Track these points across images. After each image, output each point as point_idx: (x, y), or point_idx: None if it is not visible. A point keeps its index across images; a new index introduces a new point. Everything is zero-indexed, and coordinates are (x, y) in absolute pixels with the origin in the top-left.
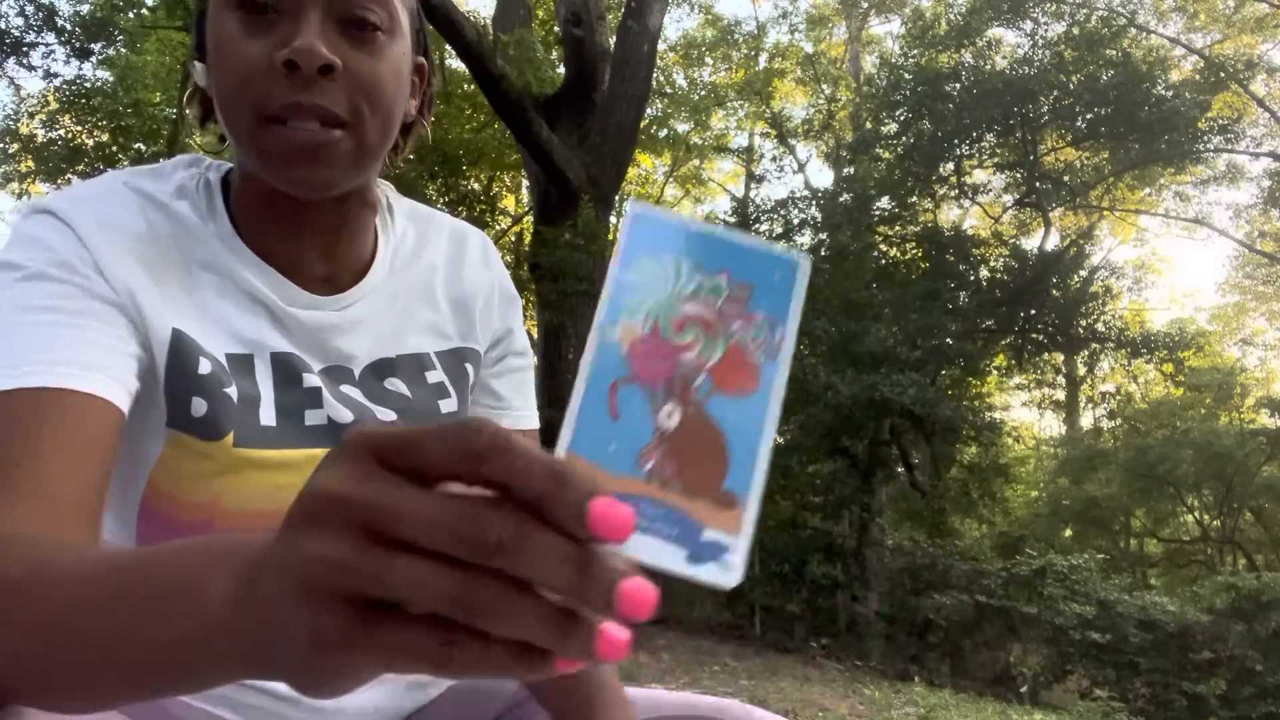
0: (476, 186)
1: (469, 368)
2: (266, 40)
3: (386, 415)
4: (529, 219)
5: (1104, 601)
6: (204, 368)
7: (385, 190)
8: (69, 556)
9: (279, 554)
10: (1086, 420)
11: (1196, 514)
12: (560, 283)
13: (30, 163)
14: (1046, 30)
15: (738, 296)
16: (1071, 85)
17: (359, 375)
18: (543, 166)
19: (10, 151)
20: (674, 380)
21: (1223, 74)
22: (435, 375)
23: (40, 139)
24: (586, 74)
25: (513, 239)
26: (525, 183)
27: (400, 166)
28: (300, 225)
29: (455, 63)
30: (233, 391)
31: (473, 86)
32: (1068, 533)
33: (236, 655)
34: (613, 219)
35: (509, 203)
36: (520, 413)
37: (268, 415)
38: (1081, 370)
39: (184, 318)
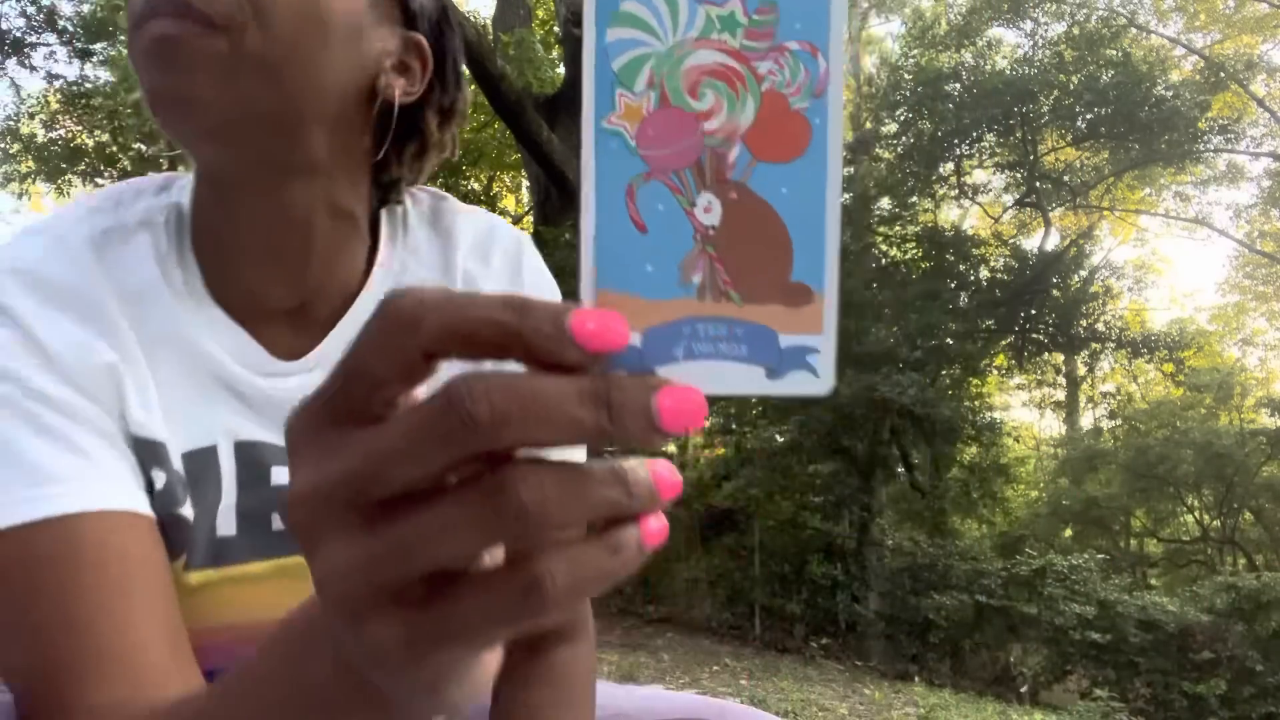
0: (476, 186)
1: None
2: None
3: None
4: (529, 219)
5: (1104, 601)
6: (158, 481)
7: (413, 198)
8: None
9: (313, 601)
10: (1086, 420)
11: (1196, 514)
12: (560, 283)
13: (31, 163)
14: (1046, 30)
15: (760, 25)
16: (1071, 85)
17: None
18: (543, 167)
19: (11, 152)
20: (703, 162)
21: (1223, 74)
22: None
23: (41, 139)
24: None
25: None
26: (525, 183)
27: (406, 172)
28: (256, 249)
29: None
30: (187, 510)
31: (473, 86)
32: (1068, 533)
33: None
34: None
35: (509, 203)
36: None
37: (227, 523)
38: (1081, 370)
39: (139, 416)
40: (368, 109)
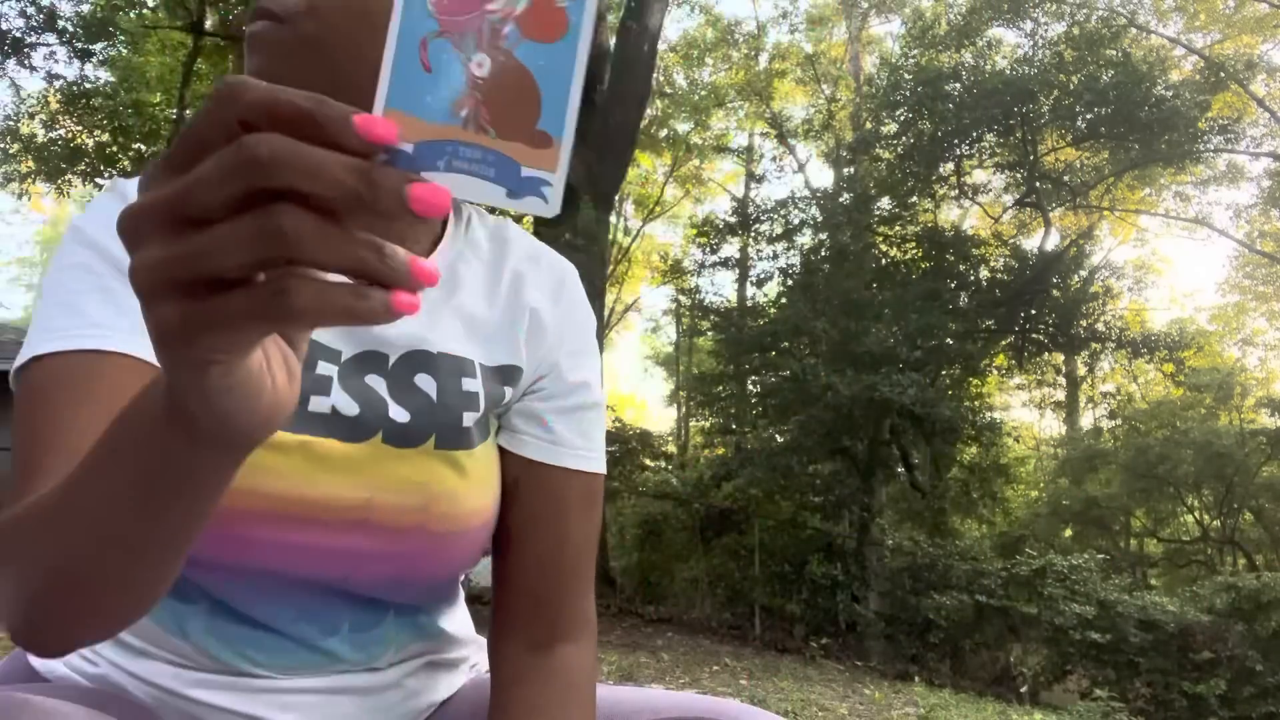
0: None
1: (508, 389)
2: None
3: (401, 414)
4: (528, 220)
5: (1104, 601)
6: None
7: (479, 213)
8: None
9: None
10: (1086, 420)
11: (1196, 514)
12: None
13: (30, 163)
14: (1046, 30)
15: None
16: (1071, 85)
17: (391, 364)
18: None
19: (10, 151)
20: (482, 31)
21: (1223, 74)
22: (472, 384)
23: (40, 139)
24: (587, 74)
25: None
26: None
27: None
28: None
29: None
30: None
31: None
32: (1068, 533)
33: (172, 414)
34: (613, 218)
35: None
36: (581, 453)
37: None
38: (1081, 370)
39: None
40: None
